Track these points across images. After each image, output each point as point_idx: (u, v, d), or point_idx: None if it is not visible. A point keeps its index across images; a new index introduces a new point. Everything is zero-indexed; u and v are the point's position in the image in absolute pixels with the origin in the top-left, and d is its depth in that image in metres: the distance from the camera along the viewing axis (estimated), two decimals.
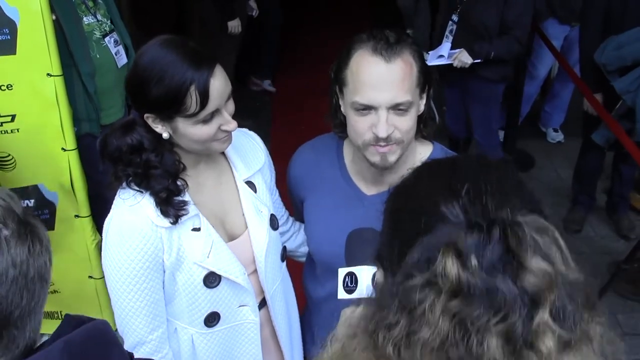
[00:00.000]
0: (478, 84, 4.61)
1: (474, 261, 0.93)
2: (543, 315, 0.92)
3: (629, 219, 4.80)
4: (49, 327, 4.13)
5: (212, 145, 1.87)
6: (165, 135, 1.84)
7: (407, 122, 1.83)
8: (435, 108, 2.00)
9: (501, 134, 5.75)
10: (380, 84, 1.79)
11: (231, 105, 1.87)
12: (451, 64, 4.48)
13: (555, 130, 5.90)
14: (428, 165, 1.16)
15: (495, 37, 4.42)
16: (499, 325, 0.92)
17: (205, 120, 1.80)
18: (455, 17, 4.56)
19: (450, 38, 4.57)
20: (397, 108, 1.80)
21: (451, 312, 0.93)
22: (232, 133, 1.89)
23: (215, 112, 1.81)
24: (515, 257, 0.94)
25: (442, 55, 4.54)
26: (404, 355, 0.97)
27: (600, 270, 4.26)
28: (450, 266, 0.93)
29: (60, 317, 3.72)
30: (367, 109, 1.81)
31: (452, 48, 4.54)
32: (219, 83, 1.79)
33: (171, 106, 1.77)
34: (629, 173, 4.61)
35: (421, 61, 1.85)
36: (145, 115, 1.82)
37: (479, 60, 4.42)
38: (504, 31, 4.41)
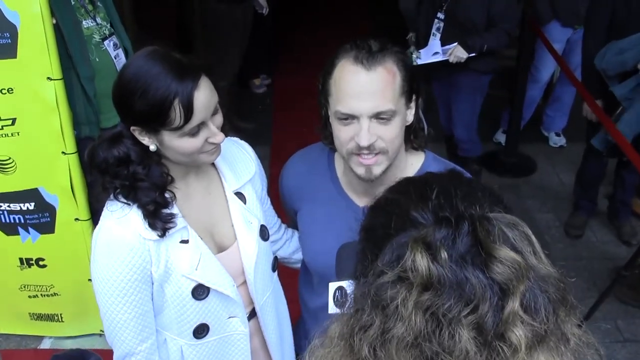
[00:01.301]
0: (466, 76, 4.67)
1: (443, 253, 0.95)
2: (513, 305, 0.93)
3: (631, 224, 4.78)
4: (49, 330, 4.14)
5: (200, 158, 1.86)
6: (152, 147, 1.83)
7: (390, 131, 1.81)
8: (424, 117, 1.98)
9: (503, 137, 5.77)
10: (361, 93, 1.78)
11: (219, 117, 1.85)
12: (446, 60, 4.56)
13: (558, 135, 5.88)
14: (399, 182, 1.16)
15: (484, 31, 4.52)
16: (469, 316, 0.93)
17: (192, 133, 1.78)
18: (441, 15, 4.63)
19: (438, 35, 4.65)
20: (379, 117, 1.78)
21: (423, 306, 0.94)
22: (222, 143, 1.88)
23: (202, 125, 1.79)
24: (484, 247, 0.95)
25: (437, 52, 4.61)
26: (379, 354, 0.98)
27: (601, 276, 4.27)
28: (420, 259, 0.95)
29: (60, 320, 3.74)
30: (349, 118, 1.80)
31: (442, 45, 4.62)
32: (203, 96, 1.77)
33: (156, 119, 1.75)
34: (631, 179, 4.58)
35: (406, 70, 1.83)
36: (132, 127, 1.81)
37: (473, 54, 4.50)
38: (492, 24, 4.51)
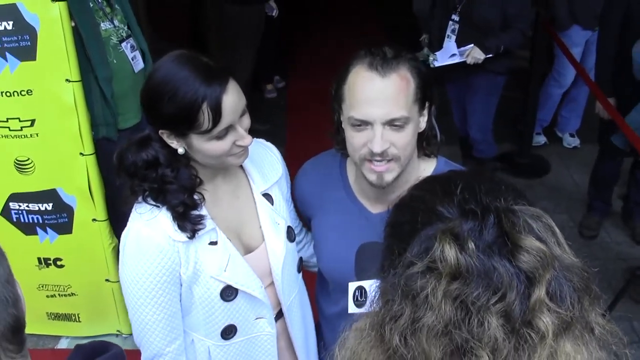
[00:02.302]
0: (482, 77, 4.68)
1: (470, 244, 0.97)
2: (540, 293, 0.95)
3: None
4: (67, 330, 4.16)
5: (228, 160, 1.86)
6: (180, 150, 1.83)
7: (403, 138, 1.81)
8: (436, 123, 1.98)
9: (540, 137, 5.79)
10: (375, 100, 1.77)
11: (246, 120, 1.85)
12: (463, 62, 4.56)
13: (572, 135, 5.88)
14: (423, 180, 1.19)
15: (500, 31, 4.52)
16: (497, 304, 0.95)
17: (220, 137, 1.78)
18: (455, 17, 4.63)
19: (453, 37, 4.64)
20: (392, 124, 1.78)
21: (452, 295, 0.96)
22: (250, 145, 1.88)
23: (230, 128, 1.79)
24: (510, 238, 0.97)
25: (454, 54, 4.61)
26: (410, 343, 0.99)
27: (615, 276, 4.26)
28: (448, 250, 0.97)
29: (77, 320, 3.77)
30: (363, 124, 1.80)
31: (458, 47, 4.62)
32: (231, 99, 1.77)
33: (184, 123, 1.76)
34: None
35: (420, 77, 1.82)
36: (160, 131, 1.82)
37: (490, 55, 4.51)
38: (507, 25, 4.51)
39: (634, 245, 4.68)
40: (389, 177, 1.85)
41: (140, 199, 1.87)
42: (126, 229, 1.91)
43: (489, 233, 0.98)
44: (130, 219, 1.91)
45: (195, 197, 1.88)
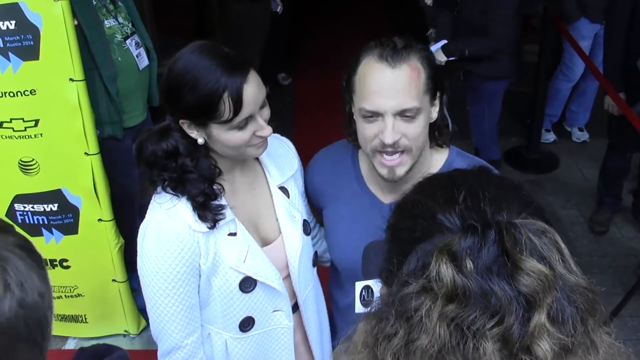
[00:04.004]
0: (475, 81, 4.57)
1: (468, 264, 0.93)
2: (540, 318, 0.92)
3: None
4: (74, 331, 4.15)
5: (247, 151, 1.87)
6: (200, 140, 1.84)
7: (415, 129, 1.81)
8: (448, 114, 1.97)
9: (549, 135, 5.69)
10: (385, 91, 1.77)
11: (267, 111, 1.86)
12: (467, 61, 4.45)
13: (581, 130, 5.83)
14: (427, 180, 1.15)
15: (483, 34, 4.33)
16: (494, 328, 0.92)
17: (240, 127, 1.80)
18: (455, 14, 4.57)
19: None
20: (404, 114, 1.78)
21: (448, 317, 0.93)
22: (267, 138, 1.89)
23: (250, 118, 1.81)
24: (511, 258, 0.93)
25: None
26: None
27: (626, 272, 4.22)
28: (445, 270, 0.93)
29: (84, 321, 3.75)
30: (374, 115, 1.80)
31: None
32: (252, 89, 1.78)
33: (205, 112, 1.77)
34: None
35: (431, 67, 1.82)
36: (180, 121, 1.83)
37: (453, 58, 4.32)
38: (484, 28, 4.31)
39: None
40: (400, 171, 1.85)
41: (159, 189, 1.88)
42: (145, 220, 1.91)
43: (489, 251, 0.94)
44: (149, 209, 1.92)
45: (215, 187, 1.88)
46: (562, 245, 0.98)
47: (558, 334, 0.92)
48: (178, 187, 1.86)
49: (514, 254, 0.93)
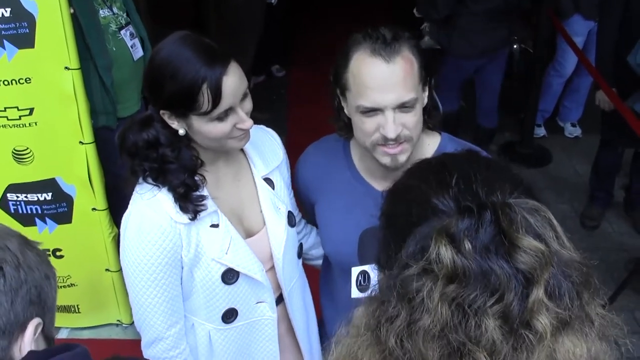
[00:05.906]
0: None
1: (467, 244, 0.95)
2: (538, 293, 0.94)
3: None
4: (66, 321, 4.13)
5: (228, 143, 1.87)
6: (181, 131, 1.84)
7: (413, 118, 1.82)
8: (437, 97, 1.99)
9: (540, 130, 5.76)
10: (383, 86, 1.77)
11: (248, 103, 1.86)
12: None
13: (573, 125, 5.85)
14: (417, 165, 1.17)
15: None
16: (495, 306, 0.94)
17: (220, 118, 1.79)
18: None
19: None
20: (403, 107, 1.79)
21: (449, 297, 0.95)
22: (251, 129, 1.88)
23: (230, 110, 1.80)
24: (508, 237, 0.95)
25: None
26: (406, 345, 0.98)
27: (617, 267, 4.24)
28: (444, 251, 0.95)
29: (77, 311, 3.74)
30: (373, 110, 1.80)
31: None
32: (232, 81, 1.77)
33: (184, 103, 1.77)
34: None
35: (421, 55, 1.83)
36: (161, 111, 1.83)
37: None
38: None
39: (636, 236, 4.66)
40: (402, 157, 1.86)
41: (140, 179, 1.88)
42: (127, 211, 1.91)
43: (486, 232, 0.96)
44: (131, 200, 1.91)
45: (196, 178, 1.88)
46: (555, 223, 1.00)
47: (556, 308, 0.95)
48: (159, 178, 1.86)
49: (510, 232, 0.95)
